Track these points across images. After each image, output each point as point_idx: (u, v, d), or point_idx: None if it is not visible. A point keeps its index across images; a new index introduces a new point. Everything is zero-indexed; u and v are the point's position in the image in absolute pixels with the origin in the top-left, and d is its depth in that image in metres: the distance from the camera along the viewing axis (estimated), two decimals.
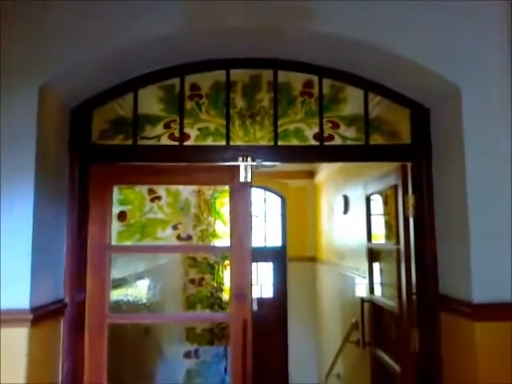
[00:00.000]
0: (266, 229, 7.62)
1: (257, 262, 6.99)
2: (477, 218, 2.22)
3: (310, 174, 7.34)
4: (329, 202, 6.21)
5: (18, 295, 2.07)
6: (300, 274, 7.19)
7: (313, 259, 7.17)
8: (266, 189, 7.55)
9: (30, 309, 2.07)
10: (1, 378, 2.03)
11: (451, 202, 2.40)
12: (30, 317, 2.05)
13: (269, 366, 6.61)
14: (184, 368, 2.70)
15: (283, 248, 7.45)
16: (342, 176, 5.39)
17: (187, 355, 2.72)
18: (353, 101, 2.65)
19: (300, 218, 7.36)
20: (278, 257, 7.42)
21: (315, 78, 2.65)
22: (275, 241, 7.57)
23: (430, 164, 2.59)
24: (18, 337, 2.05)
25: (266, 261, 7.42)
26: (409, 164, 2.69)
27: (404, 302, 2.70)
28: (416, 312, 2.60)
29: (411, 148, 2.63)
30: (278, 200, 7.65)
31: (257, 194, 7.36)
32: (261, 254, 7.08)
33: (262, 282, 7.39)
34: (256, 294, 7.00)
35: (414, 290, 2.63)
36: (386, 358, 3.13)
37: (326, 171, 6.33)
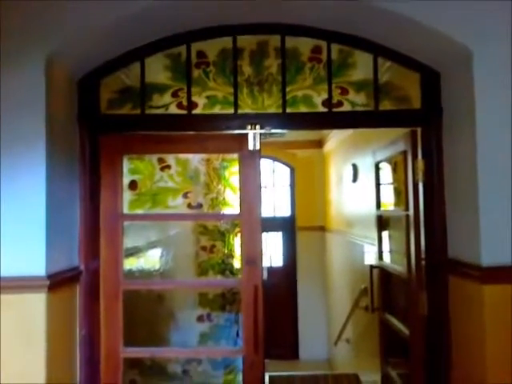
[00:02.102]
0: (275, 199, 7.66)
1: (266, 231, 7.06)
2: (486, 183, 2.21)
3: (319, 144, 7.31)
4: (337, 171, 6.20)
5: (34, 262, 2.12)
6: (309, 244, 7.26)
7: (322, 228, 7.22)
8: (274, 159, 7.55)
9: (46, 275, 2.12)
10: (22, 343, 2.11)
11: (461, 167, 2.39)
12: (47, 283, 2.11)
13: (279, 332, 6.76)
14: (197, 331, 2.78)
15: (292, 218, 7.50)
16: (351, 145, 5.37)
17: (200, 319, 2.79)
18: (362, 66, 2.61)
19: (309, 187, 7.38)
20: (287, 227, 7.49)
21: (323, 44, 2.61)
22: (284, 211, 7.62)
23: (440, 129, 2.56)
24: (36, 303, 2.12)
25: (276, 231, 7.49)
26: (419, 129, 2.66)
27: (413, 266, 2.73)
28: (425, 276, 2.63)
29: (421, 113, 2.60)
30: (287, 170, 7.65)
31: (265, 165, 7.37)
32: (270, 224, 7.15)
33: (272, 251, 7.48)
34: (266, 263, 7.10)
35: (423, 255, 2.66)
36: (395, 321, 3.19)
37: (334, 140, 6.30)
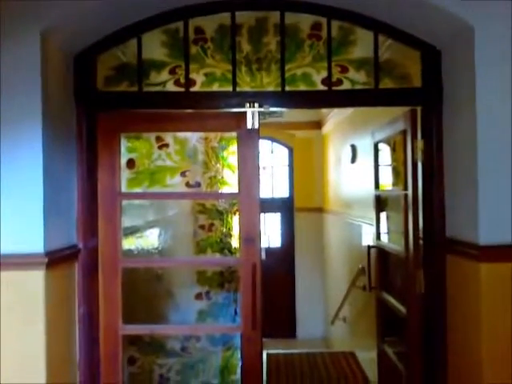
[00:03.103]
0: (274, 180, 7.66)
1: (264, 212, 7.06)
2: (486, 162, 2.21)
3: (318, 125, 7.27)
4: (336, 152, 6.19)
5: (32, 240, 2.12)
6: (307, 224, 7.28)
7: (320, 209, 7.24)
8: (273, 140, 7.51)
9: (44, 253, 2.12)
10: (21, 320, 2.12)
11: (461, 146, 2.38)
12: (45, 260, 2.11)
13: (277, 312, 6.83)
14: (196, 309, 2.80)
15: (290, 199, 7.51)
16: (350, 125, 5.34)
17: (198, 297, 2.81)
18: (362, 43, 2.58)
19: (307, 168, 7.37)
20: (286, 207, 7.50)
21: (323, 20, 2.57)
22: (282, 192, 7.63)
23: (440, 108, 2.55)
24: (35, 280, 2.12)
25: (274, 212, 7.50)
26: (418, 108, 2.64)
27: (411, 245, 2.74)
28: (422, 255, 2.64)
29: (422, 92, 2.58)
30: (285, 151, 7.63)
31: (264, 146, 7.34)
32: (268, 205, 7.16)
33: (270, 232, 7.51)
34: (264, 243, 7.14)
35: (421, 235, 2.67)
36: (392, 300, 3.22)
37: (333, 121, 6.27)
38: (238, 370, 2.72)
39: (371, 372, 3.95)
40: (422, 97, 2.59)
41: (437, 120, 2.56)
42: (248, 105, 2.54)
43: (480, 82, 2.21)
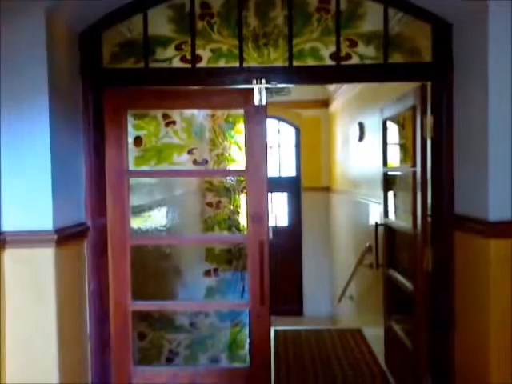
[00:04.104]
0: (281, 159, 7.63)
1: (272, 192, 7.06)
2: (497, 138, 2.18)
3: (325, 104, 7.20)
4: (343, 131, 6.13)
5: (41, 217, 2.14)
6: (314, 204, 7.28)
7: (327, 189, 7.22)
8: (280, 119, 7.46)
9: (53, 230, 2.14)
10: (32, 297, 2.15)
11: (471, 121, 2.34)
12: (55, 237, 2.13)
13: (284, 291, 6.88)
14: (204, 286, 2.83)
15: (298, 178, 7.49)
16: (358, 103, 5.28)
17: (207, 274, 2.84)
18: (372, 17, 2.52)
19: (314, 148, 7.33)
20: (293, 187, 7.49)
21: None
22: (290, 171, 7.60)
23: (450, 83, 2.50)
24: (45, 257, 2.14)
25: (281, 191, 7.49)
26: (428, 84, 2.60)
27: (419, 222, 2.73)
28: (430, 231, 2.63)
29: (432, 66, 2.53)
30: (292, 130, 7.58)
31: (271, 125, 7.29)
32: (276, 185, 7.15)
33: (277, 211, 7.51)
34: (271, 223, 7.16)
35: (429, 212, 2.65)
36: (400, 277, 3.22)
37: (340, 99, 6.19)
38: (246, 345, 2.76)
39: (378, 348, 3.99)
40: (432, 72, 2.54)
41: (447, 95, 2.52)
42: (255, 81, 2.51)
43: (492, 58, 2.17)
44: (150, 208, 2.90)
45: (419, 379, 2.75)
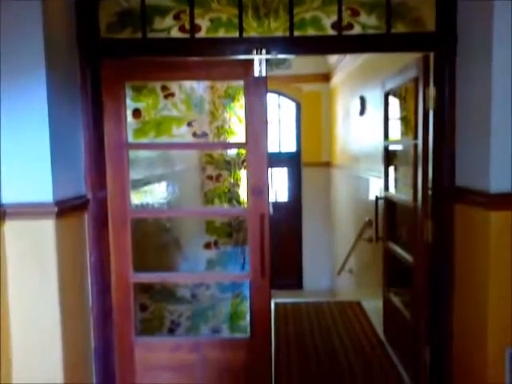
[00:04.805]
0: (281, 135, 7.58)
1: (272, 167, 7.04)
2: (499, 110, 2.15)
3: (326, 78, 7.11)
4: (344, 106, 6.07)
5: (41, 189, 2.13)
6: (314, 179, 7.27)
7: (327, 164, 7.20)
8: (280, 94, 7.38)
9: (53, 202, 2.14)
10: (33, 269, 2.15)
11: (474, 93, 2.31)
12: (55, 210, 2.12)
13: (284, 265, 6.95)
14: (205, 258, 2.85)
15: (298, 153, 7.46)
16: (359, 76, 5.21)
17: (207, 246, 2.85)
18: None
19: (315, 123, 7.28)
20: (293, 162, 7.47)
21: None
22: (290, 147, 7.57)
23: (454, 54, 2.46)
24: (45, 229, 2.14)
25: (281, 166, 7.48)
26: (431, 55, 2.56)
27: (419, 194, 2.72)
28: (431, 204, 2.63)
29: (435, 36, 2.48)
30: (293, 105, 7.51)
31: (271, 100, 7.21)
32: (276, 160, 7.13)
33: (277, 187, 7.51)
34: (271, 198, 7.17)
35: (430, 184, 2.64)
36: (399, 250, 3.24)
37: (341, 73, 6.11)
38: (247, 316, 2.79)
39: (377, 320, 4.05)
40: (435, 42, 2.49)
41: (450, 67, 2.47)
42: (255, 51, 2.47)
43: (497, 28, 2.11)
44: (150, 182, 2.89)
45: (418, 350, 2.80)
